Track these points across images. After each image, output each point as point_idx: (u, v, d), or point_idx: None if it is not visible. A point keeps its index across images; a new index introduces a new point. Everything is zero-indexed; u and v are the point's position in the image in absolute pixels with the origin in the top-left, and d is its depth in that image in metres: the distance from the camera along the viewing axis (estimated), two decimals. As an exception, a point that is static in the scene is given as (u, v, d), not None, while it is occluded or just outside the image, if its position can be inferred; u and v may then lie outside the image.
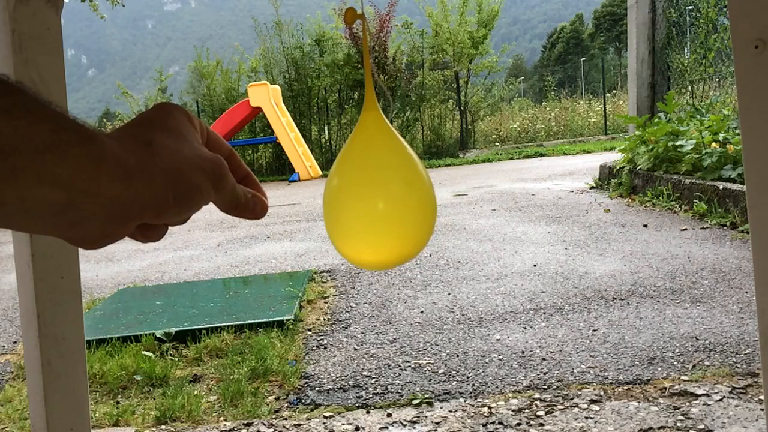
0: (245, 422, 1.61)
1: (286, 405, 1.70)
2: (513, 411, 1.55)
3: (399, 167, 0.57)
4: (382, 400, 1.68)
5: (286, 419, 1.62)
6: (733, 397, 1.51)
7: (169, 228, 0.38)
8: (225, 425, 1.61)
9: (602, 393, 1.60)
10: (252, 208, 0.43)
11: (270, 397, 1.76)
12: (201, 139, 0.41)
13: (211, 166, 0.39)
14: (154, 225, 0.39)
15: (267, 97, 11.21)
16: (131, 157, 0.35)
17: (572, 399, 1.58)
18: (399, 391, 1.72)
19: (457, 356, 1.94)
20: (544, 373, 1.75)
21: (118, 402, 1.80)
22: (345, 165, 0.58)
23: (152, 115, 0.39)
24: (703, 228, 3.54)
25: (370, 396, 1.71)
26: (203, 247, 4.51)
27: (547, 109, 17.94)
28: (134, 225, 0.37)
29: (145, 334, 2.24)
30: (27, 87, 0.32)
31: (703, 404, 1.50)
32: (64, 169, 0.31)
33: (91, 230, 0.35)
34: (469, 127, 15.15)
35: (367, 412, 1.62)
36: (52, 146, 0.31)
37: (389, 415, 1.59)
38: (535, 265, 3.02)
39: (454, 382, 1.75)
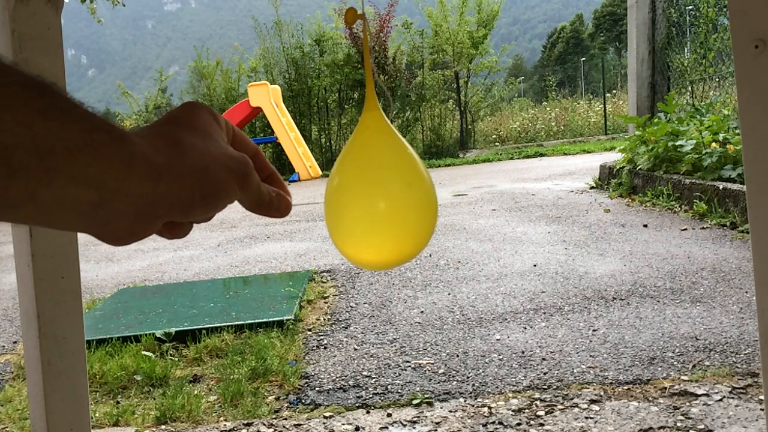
0: (245, 422, 1.61)
1: (286, 405, 1.70)
2: (513, 411, 1.55)
3: (400, 167, 0.57)
4: (382, 400, 1.68)
5: (286, 419, 1.62)
6: (733, 397, 1.51)
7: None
8: (225, 425, 1.61)
9: (602, 393, 1.60)
10: (276, 207, 0.44)
11: (270, 397, 1.76)
12: (227, 137, 0.42)
13: (237, 164, 0.39)
14: (180, 222, 0.40)
15: (267, 97, 11.20)
16: (159, 156, 0.35)
17: (572, 399, 1.58)
18: (399, 391, 1.72)
19: (457, 356, 1.94)
20: (544, 373, 1.75)
21: (118, 402, 1.80)
22: (346, 165, 0.58)
23: (179, 114, 0.39)
24: (703, 228, 3.54)
25: (370, 396, 1.71)
26: (203, 247, 4.51)
27: (547, 109, 17.93)
28: (161, 223, 0.37)
29: (145, 334, 2.24)
30: (59, 88, 0.33)
31: (703, 404, 1.50)
32: (95, 169, 0.32)
33: (120, 228, 0.35)
34: (469, 127, 15.15)
35: (367, 412, 1.62)
36: (85, 147, 0.32)
37: (389, 415, 1.59)
38: (535, 265, 3.02)
39: (454, 382, 1.75)
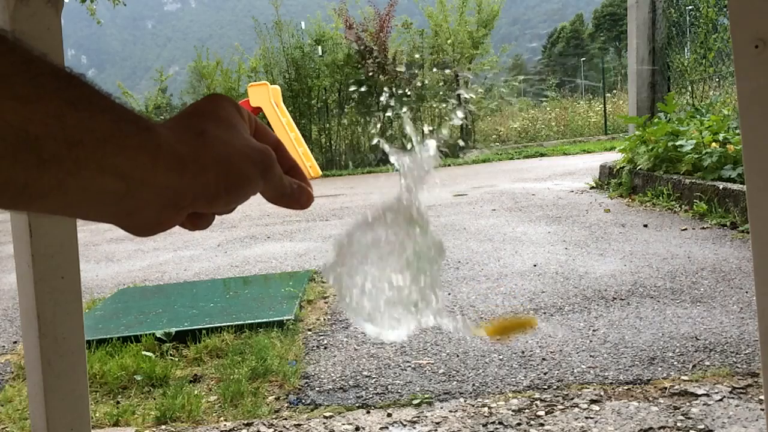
0: (245, 422, 1.61)
1: (286, 405, 1.70)
2: (513, 411, 1.55)
3: None
4: (382, 400, 1.68)
5: (286, 419, 1.62)
6: (733, 397, 1.51)
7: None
8: (225, 425, 1.61)
9: (602, 393, 1.60)
10: (298, 198, 0.44)
11: (270, 397, 1.76)
12: (249, 129, 0.42)
13: (260, 156, 0.40)
14: (203, 213, 0.40)
15: (267, 97, 11.20)
16: (185, 147, 0.36)
17: (572, 399, 1.58)
18: (399, 391, 1.72)
19: (457, 356, 1.94)
20: (544, 373, 1.75)
21: (118, 402, 1.80)
22: None
23: (203, 106, 0.40)
24: (703, 228, 3.54)
25: (370, 396, 1.71)
26: (203, 247, 4.50)
27: (547, 109, 17.93)
28: (186, 213, 0.38)
29: (145, 334, 2.24)
30: (88, 78, 0.33)
31: (703, 404, 1.50)
32: (123, 159, 0.33)
33: (145, 218, 0.36)
34: (469, 127, 15.15)
35: (368, 412, 1.62)
36: (113, 137, 0.32)
37: (389, 415, 1.59)
38: (535, 265, 3.02)
39: (454, 382, 1.75)
